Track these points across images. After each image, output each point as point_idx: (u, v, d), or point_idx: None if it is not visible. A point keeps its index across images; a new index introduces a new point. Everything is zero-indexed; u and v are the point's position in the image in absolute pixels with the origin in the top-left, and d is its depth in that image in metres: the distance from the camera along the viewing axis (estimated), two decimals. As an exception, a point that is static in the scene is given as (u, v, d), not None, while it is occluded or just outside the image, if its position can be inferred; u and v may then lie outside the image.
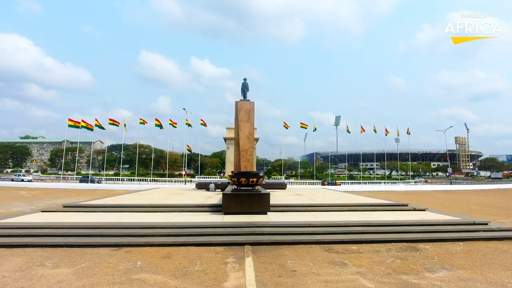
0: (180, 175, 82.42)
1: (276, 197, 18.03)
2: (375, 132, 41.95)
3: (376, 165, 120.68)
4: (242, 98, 22.93)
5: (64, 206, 13.20)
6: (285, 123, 38.77)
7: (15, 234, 9.11)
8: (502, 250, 8.98)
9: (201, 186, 25.12)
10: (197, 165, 75.05)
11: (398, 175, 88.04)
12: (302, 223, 10.63)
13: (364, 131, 43.44)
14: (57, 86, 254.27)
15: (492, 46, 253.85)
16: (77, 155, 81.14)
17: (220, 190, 23.04)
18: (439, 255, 8.38)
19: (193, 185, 28.13)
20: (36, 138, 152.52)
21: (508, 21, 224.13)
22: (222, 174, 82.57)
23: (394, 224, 10.85)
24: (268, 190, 14.34)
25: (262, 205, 12.42)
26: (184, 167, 78.58)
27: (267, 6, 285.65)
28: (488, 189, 42.48)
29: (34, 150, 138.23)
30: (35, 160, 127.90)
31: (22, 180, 50.00)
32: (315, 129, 38.10)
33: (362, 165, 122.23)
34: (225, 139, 74.63)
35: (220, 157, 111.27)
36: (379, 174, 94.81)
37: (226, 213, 12.20)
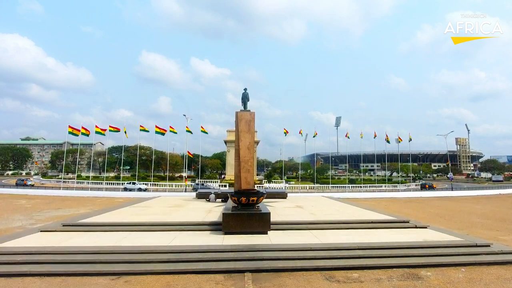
0: (181, 177, 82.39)
1: (277, 210, 17.97)
2: (375, 138, 41.82)
3: (377, 166, 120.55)
4: (243, 108, 22.82)
5: (63, 225, 13.13)
6: (285, 130, 38.59)
7: (14, 261, 9.05)
8: (504, 278, 8.88)
9: (201, 195, 25.06)
10: (198, 167, 75.11)
11: (399, 176, 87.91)
12: (302, 246, 10.54)
13: (362, 136, 43.30)
14: (58, 86, 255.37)
15: (492, 46, 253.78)
16: (77, 157, 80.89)
17: (220, 200, 23.01)
18: (441, 285, 8.30)
19: (193, 194, 28.06)
20: (36, 139, 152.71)
21: (508, 21, 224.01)
22: (223, 177, 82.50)
23: (395, 247, 10.76)
24: (268, 208, 14.24)
25: (262, 224, 12.36)
26: (185, 169, 78.57)
27: (267, 6, 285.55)
28: (489, 195, 42.36)
29: (34, 152, 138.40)
30: (36, 162, 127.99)
31: (140, 189, 45.12)
32: (315, 135, 37.99)
33: (363, 166, 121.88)
34: (225, 142, 74.72)
35: (220, 158, 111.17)
36: (379, 176, 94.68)
37: (226, 233, 12.14)
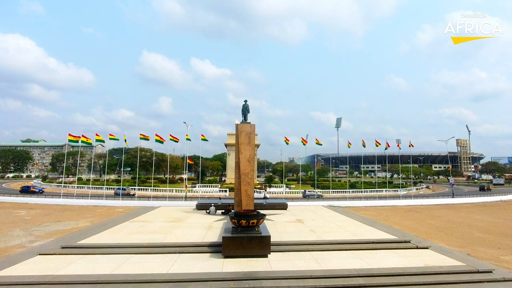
0: (181, 180, 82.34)
1: (277, 226, 17.87)
2: (377, 146, 41.61)
3: (378, 167, 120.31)
4: (243, 120, 22.77)
5: (62, 247, 13.06)
6: (286, 139, 38.39)
7: (12, 294, 8.98)
8: (507, 311, 8.79)
9: (201, 207, 24.97)
10: (198, 169, 75.10)
11: (399, 178, 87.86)
12: (303, 274, 10.44)
13: (365, 145, 43.10)
14: (60, 87, 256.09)
15: (493, 46, 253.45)
16: (78, 159, 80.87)
17: (221, 212, 22.90)
18: (443, 320, 8.20)
19: (193, 204, 27.94)
20: (37, 141, 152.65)
21: (508, 21, 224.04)
22: (223, 180, 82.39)
23: (396, 273, 10.66)
24: (268, 223, 14.15)
25: (262, 248, 12.27)
26: (185, 171, 78.52)
27: (268, 7, 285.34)
28: (490, 202, 42.12)
29: (35, 154, 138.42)
30: (37, 164, 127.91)
31: (265, 197, 35.66)
32: (320, 144, 38.00)
33: (363, 167, 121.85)
34: (226, 145, 74.58)
35: (221, 159, 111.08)
36: (380, 177, 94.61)
37: (226, 257, 12.05)
